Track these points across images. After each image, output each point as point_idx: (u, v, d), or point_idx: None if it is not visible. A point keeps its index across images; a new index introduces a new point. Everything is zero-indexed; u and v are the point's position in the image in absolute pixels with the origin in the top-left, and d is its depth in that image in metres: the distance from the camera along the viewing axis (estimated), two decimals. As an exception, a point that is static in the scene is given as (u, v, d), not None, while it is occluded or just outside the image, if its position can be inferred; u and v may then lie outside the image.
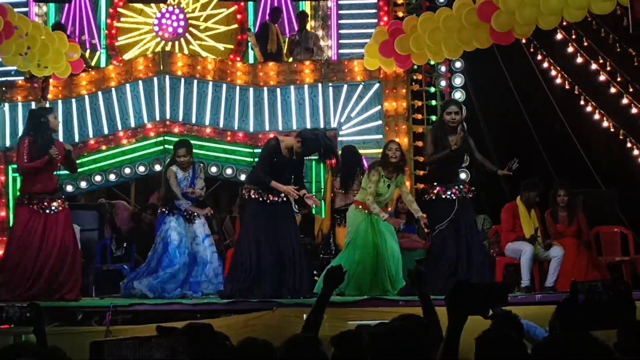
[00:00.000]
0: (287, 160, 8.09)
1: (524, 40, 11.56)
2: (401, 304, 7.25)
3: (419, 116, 11.89)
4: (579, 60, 11.71)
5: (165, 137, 11.23)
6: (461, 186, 8.52)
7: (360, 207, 8.53)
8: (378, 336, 3.07)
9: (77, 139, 11.55)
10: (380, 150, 11.21)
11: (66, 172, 9.06)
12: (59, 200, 8.34)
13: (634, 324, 3.51)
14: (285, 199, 8.13)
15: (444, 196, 8.39)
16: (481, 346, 3.05)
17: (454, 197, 8.39)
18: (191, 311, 7.51)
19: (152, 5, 12.74)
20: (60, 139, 11.53)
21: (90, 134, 11.58)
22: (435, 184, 8.47)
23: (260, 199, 8.07)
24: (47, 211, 8.20)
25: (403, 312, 3.76)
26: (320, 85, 11.68)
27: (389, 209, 9.02)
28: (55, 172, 8.49)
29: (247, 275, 7.94)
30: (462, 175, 10.75)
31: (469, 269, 8.20)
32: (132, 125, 11.49)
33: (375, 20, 12.39)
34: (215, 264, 8.92)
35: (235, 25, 12.88)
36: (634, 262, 9.62)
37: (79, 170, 11.40)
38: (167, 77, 11.42)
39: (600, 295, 3.11)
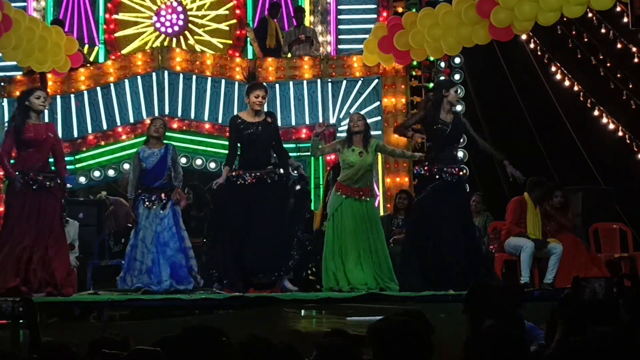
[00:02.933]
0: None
1: (523, 37, 11.55)
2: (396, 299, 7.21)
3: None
4: (579, 56, 11.70)
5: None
6: (451, 169, 8.25)
7: (340, 190, 8.37)
8: (380, 331, 3.04)
9: (75, 134, 11.55)
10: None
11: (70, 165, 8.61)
12: (49, 176, 7.89)
13: None
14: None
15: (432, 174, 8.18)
16: (484, 343, 3.03)
17: (446, 178, 8.18)
18: (188, 307, 7.48)
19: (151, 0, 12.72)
20: (60, 134, 11.56)
21: (89, 130, 11.57)
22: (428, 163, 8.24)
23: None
24: (35, 187, 7.78)
25: (402, 307, 3.73)
26: (319, 81, 11.67)
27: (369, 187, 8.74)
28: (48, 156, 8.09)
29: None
30: (460, 154, 10.47)
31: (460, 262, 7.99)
32: (131, 120, 11.47)
33: (375, 16, 12.37)
34: (178, 258, 8.22)
35: (234, 21, 12.85)
36: (633, 258, 9.61)
37: (78, 166, 11.44)
38: (166, 72, 11.40)
39: (603, 291, 3.10)
